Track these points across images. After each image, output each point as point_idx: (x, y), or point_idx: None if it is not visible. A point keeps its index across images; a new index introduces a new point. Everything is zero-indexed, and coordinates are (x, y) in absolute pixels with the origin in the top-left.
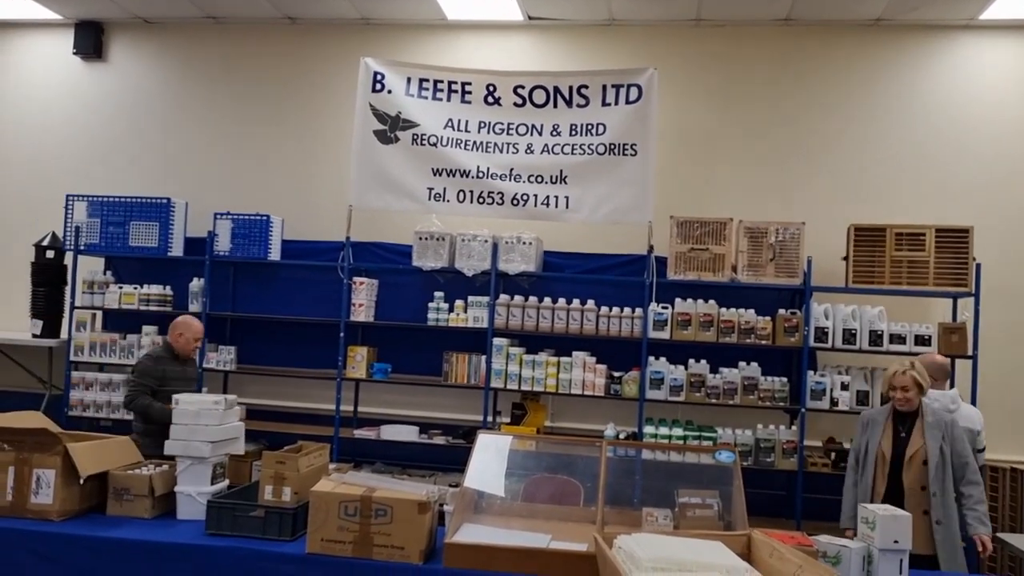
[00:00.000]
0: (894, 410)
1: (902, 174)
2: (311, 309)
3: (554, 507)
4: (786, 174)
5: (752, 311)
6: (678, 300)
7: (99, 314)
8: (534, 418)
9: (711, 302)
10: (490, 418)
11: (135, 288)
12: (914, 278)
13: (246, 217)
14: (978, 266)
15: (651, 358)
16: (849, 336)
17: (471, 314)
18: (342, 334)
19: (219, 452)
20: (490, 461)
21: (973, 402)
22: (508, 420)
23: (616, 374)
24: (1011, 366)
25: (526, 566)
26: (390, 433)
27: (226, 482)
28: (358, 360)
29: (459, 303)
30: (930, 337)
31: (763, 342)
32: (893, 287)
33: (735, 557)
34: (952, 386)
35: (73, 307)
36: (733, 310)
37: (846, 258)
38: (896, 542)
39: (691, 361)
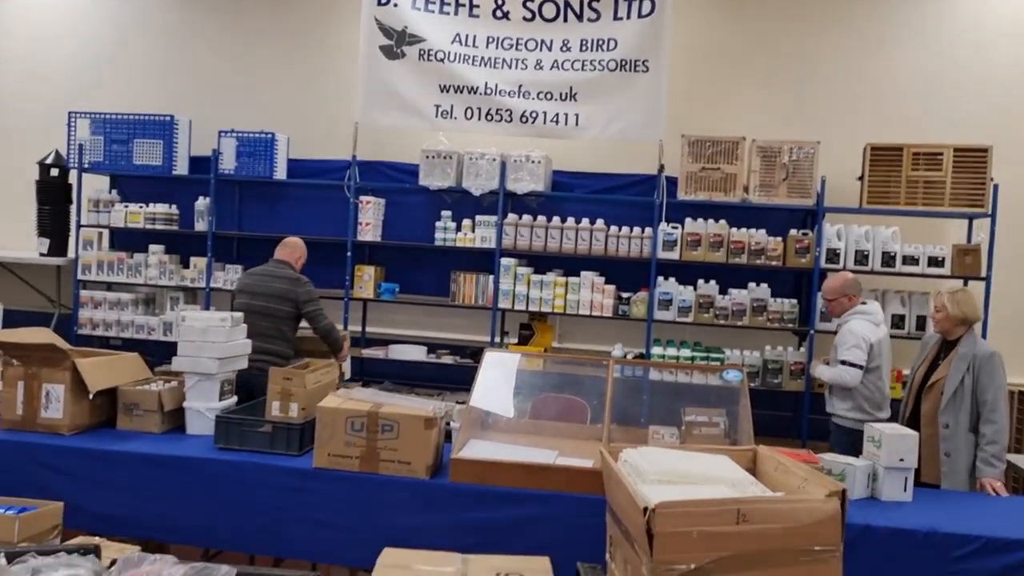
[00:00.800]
0: (943, 338)
1: (920, 94)
2: (318, 228)
3: (561, 425)
4: (802, 93)
5: (763, 232)
6: (688, 220)
7: (105, 233)
8: (541, 339)
9: (722, 222)
10: (497, 338)
11: (141, 207)
12: (930, 199)
13: (251, 135)
14: (995, 187)
15: (660, 279)
16: (861, 257)
17: (479, 234)
18: (349, 253)
19: (226, 369)
20: (497, 379)
21: (985, 325)
22: (515, 340)
23: (624, 295)
24: (1008, 286)
25: (532, 481)
26: (398, 353)
27: (234, 399)
28: (365, 280)
29: (467, 223)
30: (943, 259)
31: (773, 263)
32: (908, 208)
33: (741, 470)
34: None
35: (79, 225)
36: (744, 231)
37: (861, 178)
38: (902, 460)
39: (700, 282)
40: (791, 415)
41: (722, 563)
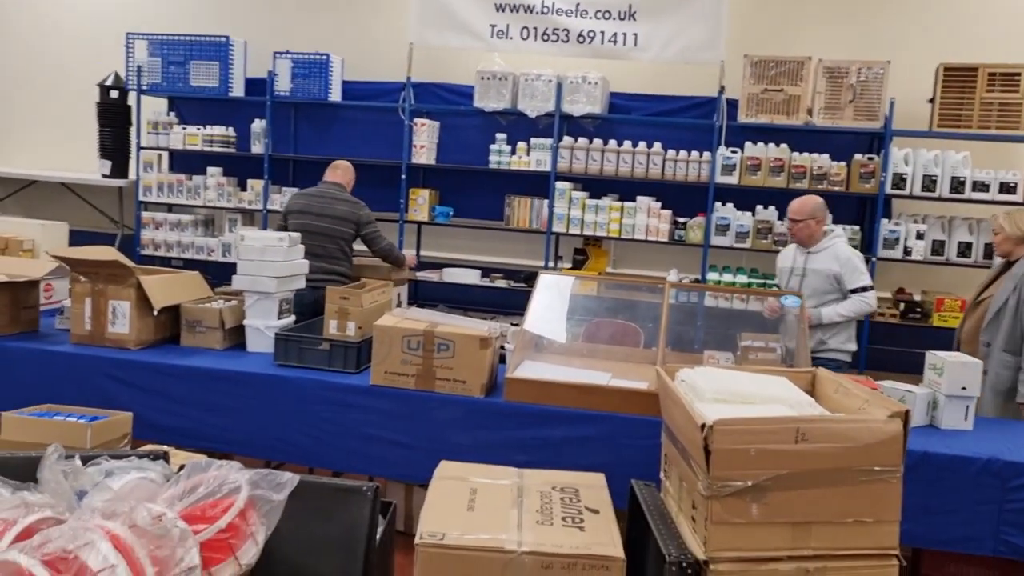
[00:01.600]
0: (1006, 261)
1: (994, 15)
2: (372, 151)
3: (614, 348)
4: (870, 11)
5: (826, 156)
6: (748, 144)
7: (164, 155)
8: (596, 263)
9: (783, 146)
10: (551, 263)
11: (198, 129)
12: (1004, 122)
13: (306, 57)
14: None
15: (717, 204)
16: (929, 183)
17: (534, 157)
18: (403, 176)
19: (284, 288)
20: (551, 302)
21: None
22: (570, 265)
23: (680, 220)
24: None
25: (585, 401)
26: (452, 276)
27: (292, 317)
28: (420, 203)
29: (521, 145)
30: (1016, 184)
31: (836, 188)
32: (981, 131)
33: (800, 392)
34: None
35: (139, 148)
36: (806, 155)
37: (932, 100)
38: (964, 388)
39: (759, 207)
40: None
41: (779, 481)
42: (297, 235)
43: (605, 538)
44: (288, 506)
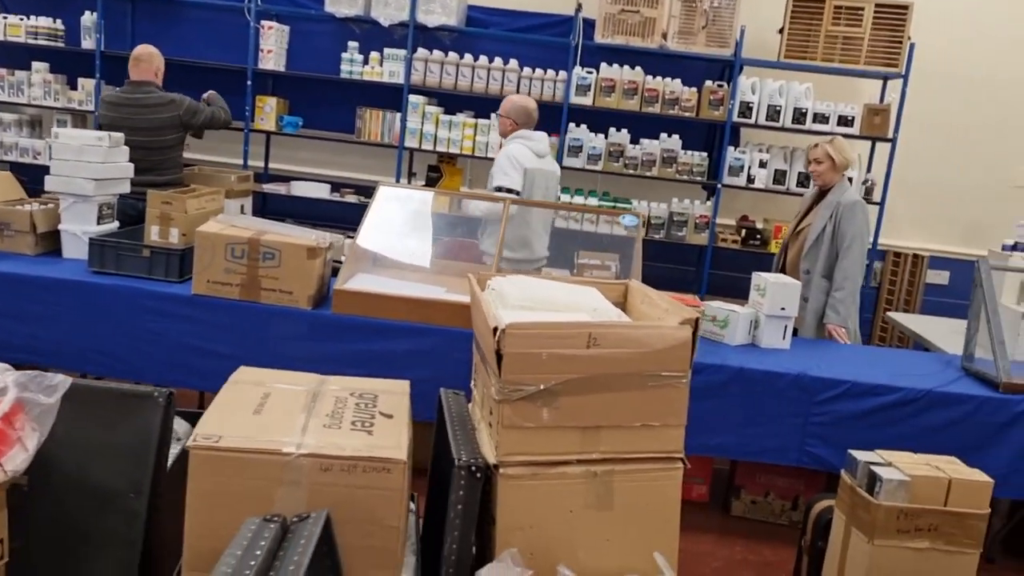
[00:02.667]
0: (820, 189)
1: None
2: (217, 54)
3: (454, 264)
4: None
5: (679, 81)
6: (603, 65)
7: None
8: (450, 182)
9: (637, 69)
10: (404, 179)
11: (21, 19)
12: (848, 55)
13: None
14: (912, 45)
15: (571, 125)
16: (773, 113)
17: (387, 68)
18: (249, 82)
19: (104, 192)
20: (390, 216)
21: (885, 188)
22: (423, 182)
23: None
24: (930, 153)
25: (417, 315)
26: (300, 190)
27: (115, 224)
28: (267, 111)
29: (374, 55)
30: (853, 118)
31: (687, 114)
32: (825, 64)
33: (606, 301)
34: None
35: None
36: (659, 79)
37: (781, 30)
38: (783, 309)
39: (612, 130)
40: (694, 270)
41: (570, 385)
42: (119, 135)
43: (391, 442)
44: (70, 412)
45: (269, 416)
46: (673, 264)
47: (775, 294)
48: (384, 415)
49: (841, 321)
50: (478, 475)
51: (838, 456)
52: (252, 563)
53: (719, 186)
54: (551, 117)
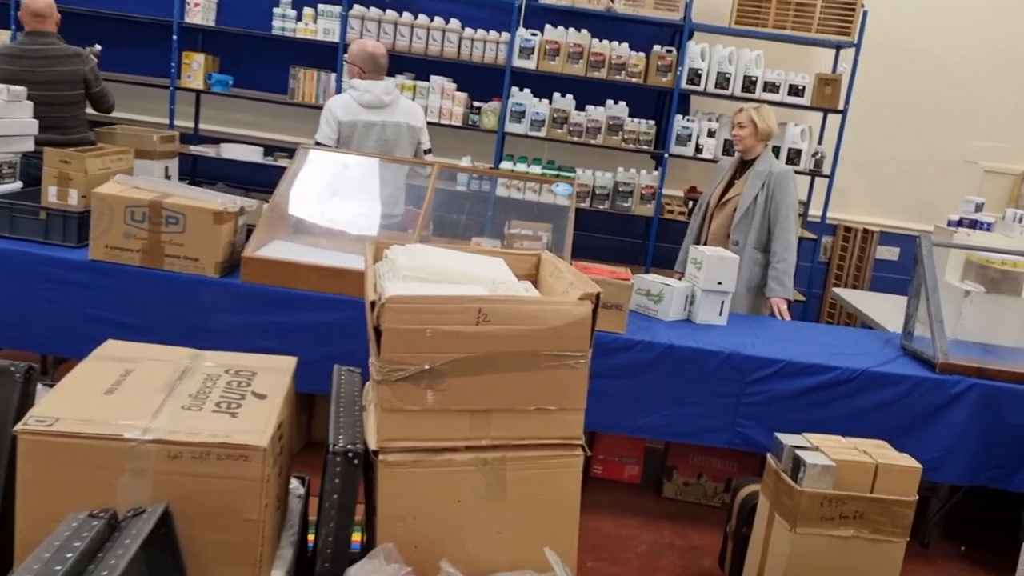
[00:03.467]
0: (741, 159)
1: None
2: (139, 5)
3: (380, 231)
4: None
5: (626, 45)
6: (548, 27)
7: None
8: None
9: (583, 32)
10: None
11: None
12: (800, 23)
13: None
14: (864, 14)
15: (514, 89)
16: (723, 80)
17: (321, 25)
18: (175, 37)
19: (5, 149)
20: (314, 179)
21: (835, 159)
22: None
23: (476, 104)
24: (882, 126)
25: (332, 285)
26: (231, 152)
27: (18, 184)
28: (194, 68)
29: (308, 11)
30: (804, 88)
31: (634, 80)
32: (777, 31)
33: (510, 274)
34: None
35: None
36: (606, 43)
37: None
38: (720, 283)
39: (556, 95)
40: (641, 242)
41: (458, 365)
42: (21, 89)
43: (255, 426)
44: None
45: (123, 396)
46: (619, 236)
47: (712, 268)
48: (257, 395)
49: (785, 293)
50: (355, 461)
51: (770, 438)
52: (58, 568)
53: (666, 156)
54: (493, 81)
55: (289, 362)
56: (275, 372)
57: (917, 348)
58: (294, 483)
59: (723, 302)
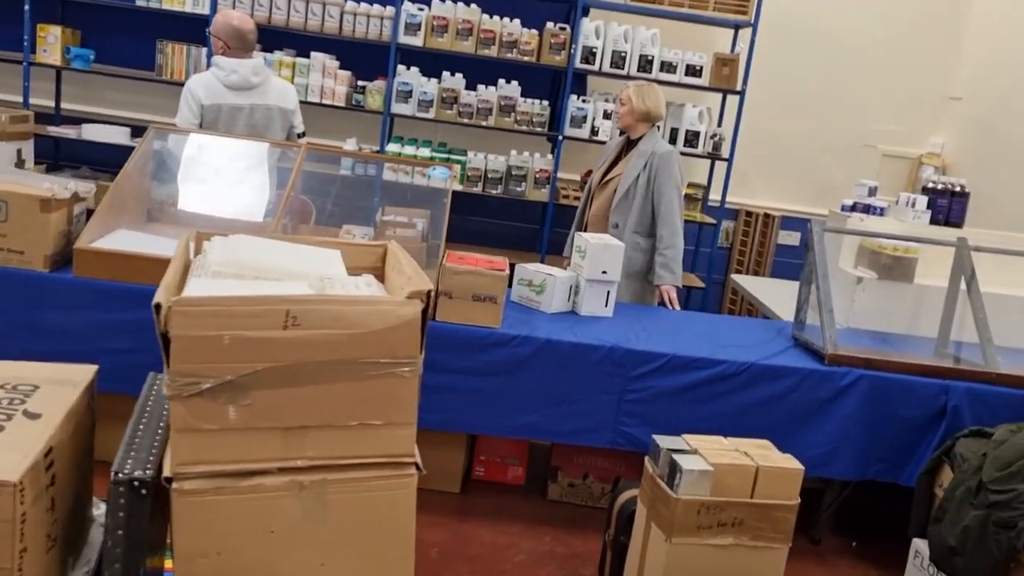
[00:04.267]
0: (627, 138)
1: None
2: None
3: (236, 220)
4: None
5: (518, 22)
6: (436, 2)
7: None
8: None
9: (473, 7)
10: None
11: None
12: (697, 1)
13: None
14: None
15: (401, 67)
16: (618, 59)
17: None
18: (27, 7)
19: None
20: (166, 161)
21: (734, 142)
22: None
23: (361, 83)
24: (782, 109)
25: None
26: (94, 133)
27: None
28: (51, 42)
29: None
30: (702, 68)
31: (526, 58)
32: (674, 8)
33: (342, 268)
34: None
35: None
36: (497, 19)
37: None
38: (605, 272)
39: (445, 74)
40: (536, 227)
41: (265, 376)
42: None
43: (11, 456)
44: None
45: None
46: (514, 222)
47: (597, 256)
48: (29, 415)
49: (675, 281)
50: (143, 491)
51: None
52: None
53: (560, 138)
54: (378, 58)
55: (86, 372)
56: (62, 386)
57: (808, 338)
58: (100, 509)
59: (608, 292)
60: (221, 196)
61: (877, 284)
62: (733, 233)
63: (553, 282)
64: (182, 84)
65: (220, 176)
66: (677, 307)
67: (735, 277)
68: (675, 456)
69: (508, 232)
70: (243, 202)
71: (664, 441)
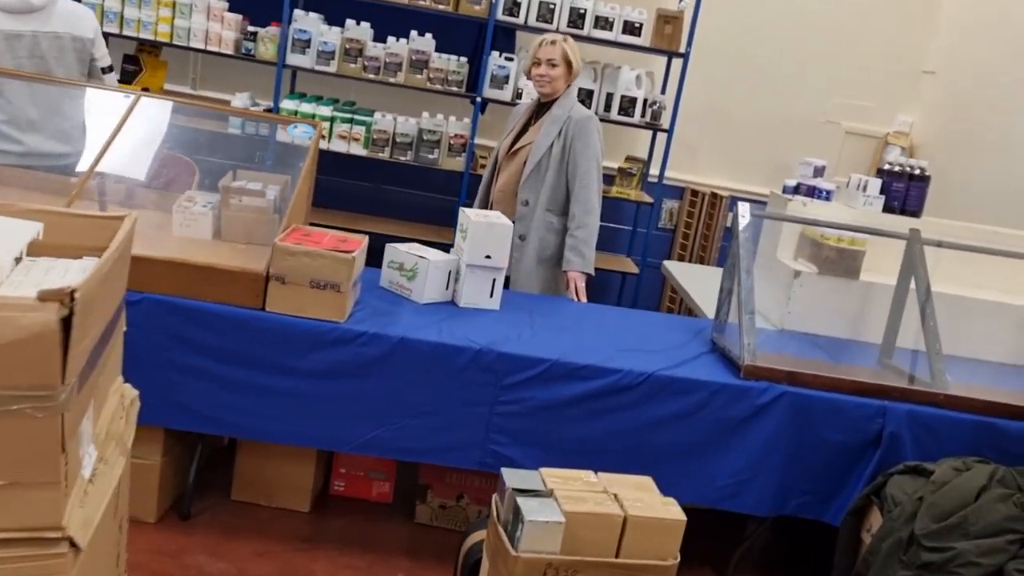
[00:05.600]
0: (539, 102)
1: None
2: None
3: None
4: None
5: None
6: None
7: None
8: (152, 77)
9: None
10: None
11: None
12: None
13: None
14: None
15: (298, 12)
16: (547, 12)
17: None
18: None
19: None
20: None
21: (675, 114)
22: (118, 77)
23: (253, 29)
24: (732, 74)
25: None
26: None
27: None
28: None
29: None
30: (641, 25)
31: (441, 7)
32: None
33: (22, 246)
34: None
35: None
36: None
37: None
38: (489, 257)
39: (350, 23)
40: (452, 199)
41: None
42: None
43: None
44: None
45: None
46: (428, 192)
47: (479, 237)
48: None
49: (584, 267)
50: None
51: (531, 458)
52: None
53: (478, 99)
54: (272, 1)
55: None
56: None
57: (726, 344)
58: None
59: (495, 280)
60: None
61: (818, 279)
62: (677, 214)
63: (426, 267)
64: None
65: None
66: (582, 298)
67: (667, 263)
68: (520, 500)
69: (421, 203)
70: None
71: (514, 478)
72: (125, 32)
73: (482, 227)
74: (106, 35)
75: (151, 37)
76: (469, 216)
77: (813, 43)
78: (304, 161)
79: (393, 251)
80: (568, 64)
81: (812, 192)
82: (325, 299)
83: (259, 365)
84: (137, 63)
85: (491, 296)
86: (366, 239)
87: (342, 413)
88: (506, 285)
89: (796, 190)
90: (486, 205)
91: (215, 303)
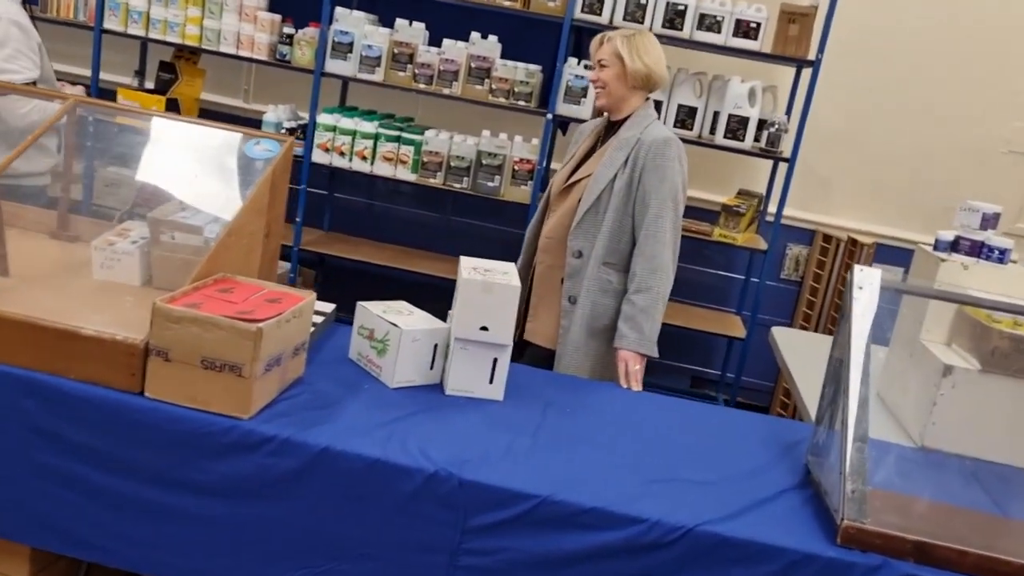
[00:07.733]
0: (608, 121)
1: None
2: None
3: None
4: None
5: None
6: None
7: None
8: (188, 86)
9: None
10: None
11: None
12: None
13: None
14: None
15: (342, 10)
16: (636, 9)
17: None
18: None
19: None
20: None
21: (799, 135)
22: (152, 85)
23: (289, 31)
24: (875, 87)
25: None
26: None
27: None
28: None
29: None
30: (759, 25)
31: (508, 3)
32: None
33: None
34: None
35: None
36: None
37: None
38: (485, 329)
39: (401, 23)
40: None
41: None
42: None
43: None
44: None
45: None
46: (491, 223)
47: (473, 301)
48: None
49: (640, 345)
50: None
51: None
52: None
53: (550, 116)
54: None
55: None
56: None
57: (824, 478)
58: None
59: (496, 360)
60: None
61: (980, 379)
62: (806, 263)
63: (398, 337)
64: (72, 25)
65: None
66: (636, 386)
67: (775, 331)
68: None
69: (490, 236)
70: None
71: None
72: (151, 35)
73: (476, 287)
74: (131, 38)
75: (179, 40)
76: (460, 271)
77: (988, 50)
78: (263, 184)
79: (364, 312)
80: (622, 63)
81: (978, 250)
82: (222, 385)
83: (137, 473)
84: (173, 71)
85: (491, 382)
86: (312, 296)
87: (246, 546)
88: (551, 364)
89: (954, 246)
90: (532, 255)
91: (82, 382)
